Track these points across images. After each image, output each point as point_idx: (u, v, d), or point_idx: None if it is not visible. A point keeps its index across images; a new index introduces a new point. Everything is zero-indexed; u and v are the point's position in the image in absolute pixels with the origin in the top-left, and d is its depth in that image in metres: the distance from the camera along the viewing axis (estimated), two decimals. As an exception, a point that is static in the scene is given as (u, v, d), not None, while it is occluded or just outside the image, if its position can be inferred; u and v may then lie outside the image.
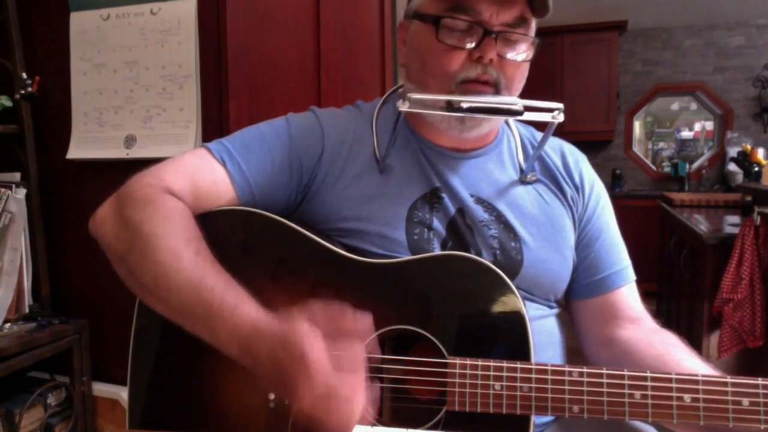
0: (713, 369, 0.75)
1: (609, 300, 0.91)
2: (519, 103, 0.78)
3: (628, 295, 0.92)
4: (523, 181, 0.92)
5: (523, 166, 0.93)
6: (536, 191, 0.92)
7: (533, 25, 0.84)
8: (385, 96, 0.97)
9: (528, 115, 0.79)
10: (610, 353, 0.88)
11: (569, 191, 0.93)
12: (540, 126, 0.89)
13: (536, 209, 0.90)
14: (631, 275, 0.93)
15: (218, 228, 0.82)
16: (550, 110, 0.79)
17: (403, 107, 0.79)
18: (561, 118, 0.79)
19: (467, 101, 0.77)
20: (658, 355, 0.81)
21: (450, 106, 0.78)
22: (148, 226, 0.74)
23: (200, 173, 0.84)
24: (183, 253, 0.72)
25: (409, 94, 0.79)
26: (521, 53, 0.83)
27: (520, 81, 0.86)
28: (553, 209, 0.91)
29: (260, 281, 0.80)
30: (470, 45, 0.80)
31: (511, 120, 0.99)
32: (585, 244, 0.93)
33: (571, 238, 0.91)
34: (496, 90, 0.82)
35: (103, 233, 0.78)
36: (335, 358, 0.60)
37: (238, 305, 0.68)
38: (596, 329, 0.92)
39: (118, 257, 0.77)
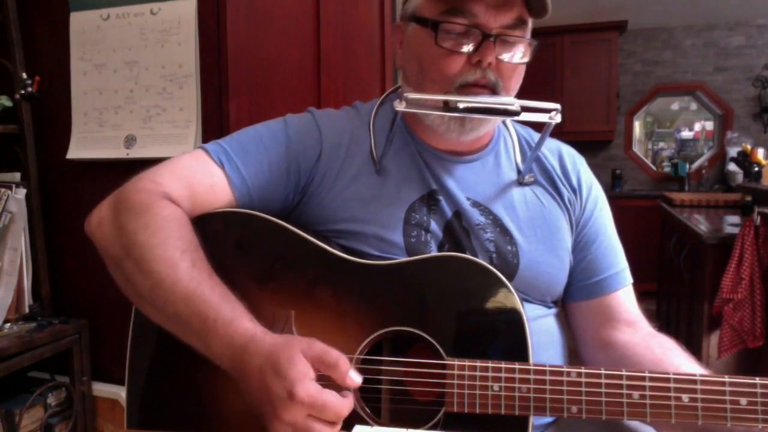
0: (712, 373, 0.74)
1: (605, 303, 0.91)
2: (516, 104, 0.78)
3: (624, 298, 0.92)
4: (520, 183, 0.92)
5: (521, 167, 0.93)
6: (533, 193, 0.92)
7: (530, 26, 0.84)
8: (382, 97, 0.97)
9: (525, 116, 0.79)
10: (607, 357, 0.88)
11: (566, 193, 0.93)
12: (538, 126, 0.89)
13: (533, 212, 0.90)
14: (627, 278, 0.93)
15: (215, 230, 0.82)
16: (548, 111, 0.79)
17: (400, 107, 0.79)
18: (558, 118, 0.79)
19: (464, 101, 0.77)
20: (656, 359, 0.81)
21: (447, 107, 0.78)
22: (145, 235, 0.74)
23: (198, 176, 0.84)
24: (179, 264, 0.72)
25: (405, 94, 0.79)
26: (518, 55, 0.83)
27: (517, 83, 0.86)
28: (549, 212, 0.91)
29: (258, 283, 0.80)
30: (468, 48, 0.80)
31: (508, 120, 0.98)
32: (582, 247, 0.93)
33: (567, 241, 0.91)
34: (493, 92, 0.82)
35: (100, 237, 0.79)
36: (320, 404, 0.62)
37: (234, 319, 0.69)
38: (592, 332, 0.92)
39: (114, 262, 0.77)
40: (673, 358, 0.81)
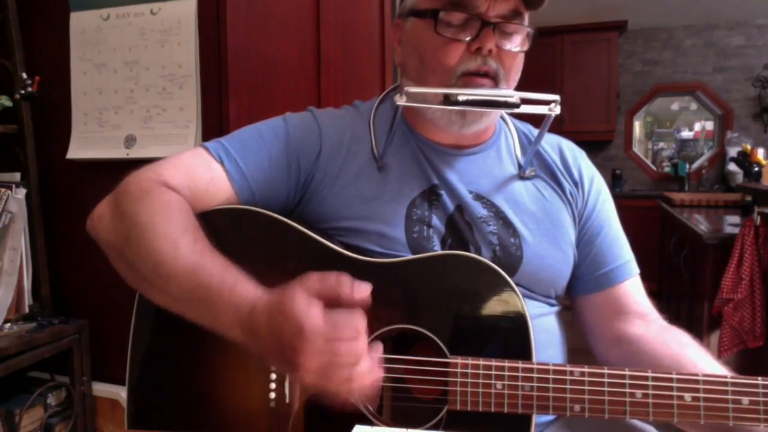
0: (728, 370, 0.73)
1: (614, 295, 0.91)
2: (516, 96, 0.78)
3: (632, 289, 0.91)
4: (521, 177, 0.92)
5: (521, 161, 0.94)
6: (535, 187, 0.92)
7: (527, 18, 0.85)
8: (382, 95, 0.98)
9: (525, 108, 0.79)
10: (621, 352, 0.87)
11: (568, 187, 0.93)
12: (537, 122, 0.90)
13: (535, 205, 0.90)
14: (634, 269, 0.93)
15: (217, 226, 0.82)
16: (547, 102, 0.79)
17: (401, 101, 0.79)
18: (558, 110, 0.79)
19: (464, 94, 0.77)
20: (673, 355, 0.80)
21: (447, 100, 0.78)
22: (146, 216, 0.74)
23: (198, 171, 0.84)
24: (181, 240, 0.71)
25: (406, 88, 0.79)
26: (518, 44, 0.84)
27: (517, 73, 0.86)
28: (552, 205, 0.91)
29: (259, 280, 0.80)
30: (468, 37, 0.81)
31: (507, 116, 0.99)
32: (587, 240, 0.93)
33: (570, 234, 0.91)
34: (495, 82, 0.82)
35: (101, 229, 0.78)
36: (334, 326, 0.59)
37: (236, 285, 0.67)
38: (604, 326, 0.91)
39: (116, 251, 0.76)
40: (690, 354, 0.80)
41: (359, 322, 0.60)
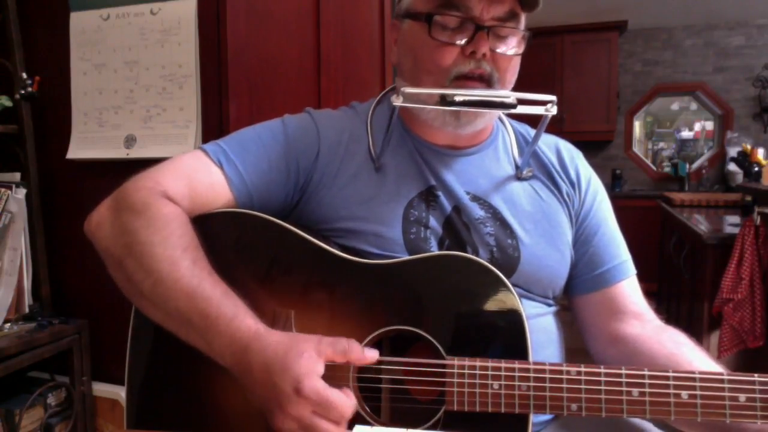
0: (724, 368, 0.74)
1: (610, 294, 0.91)
2: (512, 96, 0.78)
3: (629, 289, 0.92)
4: (519, 177, 0.92)
5: (519, 162, 0.94)
6: (532, 188, 0.92)
7: (523, 19, 0.85)
8: (379, 96, 0.98)
9: (521, 109, 0.79)
10: (618, 352, 0.87)
11: (565, 187, 0.93)
12: (534, 122, 0.90)
13: (532, 206, 0.90)
14: (630, 269, 0.93)
15: (214, 230, 0.82)
16: (543, 103, 0.79)
17: (398, 102, 0.79)
18: (554, 110, 0.80)
19: (461, 95, 0.78)
20: (670, 354, 0.81)
21: (443, 100, 0.79)
22: (146, 233, 0.74)
23: (197, 176, 0.84)
24: (181, 261, 0.72)
25: (402, 89, 0.79)
26: (513, 47, 0.84)
27: (513, 75, 0.86)
28: (549, 205, 0.91)
29: (257, 283, 0.80)
30: (462, 41, 0.81)
31: (504, 117, 0.99)
32: (584, 240, 0.93)
33: (567, 234, 0.91)
34: (489, 85, 0.83)
35: (100, 237, 0.79)
36: (326, 401, 0.63)
37: (235, 316, 0.69)
38: (601, 326, 0.91)
39: (114, 262, 0.77)
40: (686, 353, 0.81)
41: (348, 409, 0.65)
